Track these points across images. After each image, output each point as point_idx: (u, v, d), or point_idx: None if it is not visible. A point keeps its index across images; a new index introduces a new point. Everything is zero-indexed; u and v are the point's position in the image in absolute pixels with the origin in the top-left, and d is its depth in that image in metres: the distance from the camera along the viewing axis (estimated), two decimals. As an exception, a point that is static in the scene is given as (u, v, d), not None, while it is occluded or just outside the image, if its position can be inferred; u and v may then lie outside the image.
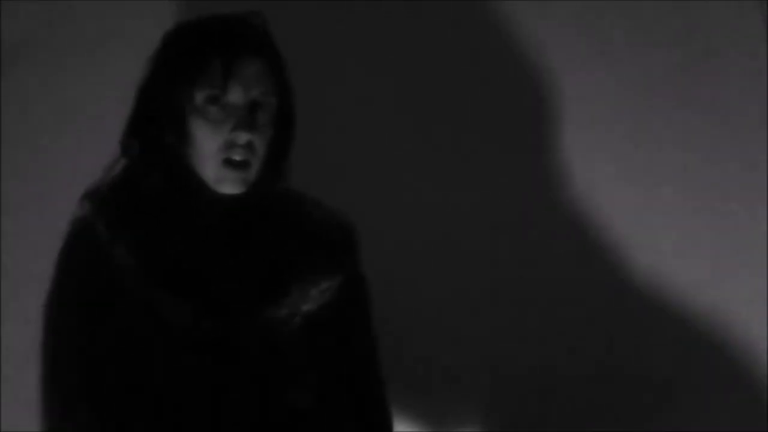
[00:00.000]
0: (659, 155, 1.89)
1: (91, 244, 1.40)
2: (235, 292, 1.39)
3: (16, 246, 1.75)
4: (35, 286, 1.62)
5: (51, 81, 1.79)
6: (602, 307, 1.88)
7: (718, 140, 1.88)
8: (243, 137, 1.39)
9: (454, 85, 1.90)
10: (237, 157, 1.40)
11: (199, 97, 1.40)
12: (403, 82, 1.89)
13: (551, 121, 1.88)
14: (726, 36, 1.87)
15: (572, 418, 1.86)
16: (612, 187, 1.88)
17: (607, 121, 1.89)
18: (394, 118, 1.88)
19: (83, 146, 1.79)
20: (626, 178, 1.89)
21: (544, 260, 1.88)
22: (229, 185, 1.40)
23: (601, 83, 1.89)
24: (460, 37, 1.89)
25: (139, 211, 1.41)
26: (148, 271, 1.37)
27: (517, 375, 1.87)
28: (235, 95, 1.40)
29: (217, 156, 1.40)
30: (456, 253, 1.88)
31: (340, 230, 1.50)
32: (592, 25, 1.88)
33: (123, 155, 1.45)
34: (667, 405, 1.87)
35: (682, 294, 1.87)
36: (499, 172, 1.89)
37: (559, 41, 1.88)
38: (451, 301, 1.86)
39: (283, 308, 1.41)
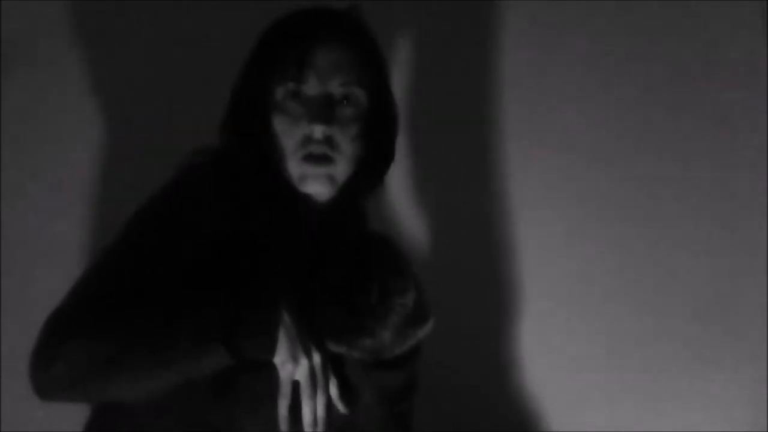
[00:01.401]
0: (658, 156, 1.89)
1: (201, 188, 1.29)
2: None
3: (17, 245, 1.75)
4: (36, 286, 1.62)
5: (51, 81, 1.79)
6: (603, 305, 1.89)
7: (718, 142, 1.89)
8: (318, 130, 1.29)
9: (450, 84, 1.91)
10: (315, 151, 1.29)
11: (279, 92, 1.32)
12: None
13: (548, 120, 1.89)
14: (726, 36, 1.88)
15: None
16: (611, 186, 1.89)
17: (606, 121, 1.90)
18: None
19: (83, 147, 1.79)
20: (625, 178, 1.89)
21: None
22: (311, 182, 1.31)
23: (600, 84, 1.89)
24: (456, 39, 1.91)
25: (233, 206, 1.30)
26: (225, 257, 1.26)
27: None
28: (312, 87, 1.31)
29: (297, 153, 1.31)
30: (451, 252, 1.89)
31: (423, 312, 1.36)
32: (590, 25, 1.89)
33: (222, 150, 1.36)
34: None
35: (683, 294, 1.88)
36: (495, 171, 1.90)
37: (554, 41, 1.89)
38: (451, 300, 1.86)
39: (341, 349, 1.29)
